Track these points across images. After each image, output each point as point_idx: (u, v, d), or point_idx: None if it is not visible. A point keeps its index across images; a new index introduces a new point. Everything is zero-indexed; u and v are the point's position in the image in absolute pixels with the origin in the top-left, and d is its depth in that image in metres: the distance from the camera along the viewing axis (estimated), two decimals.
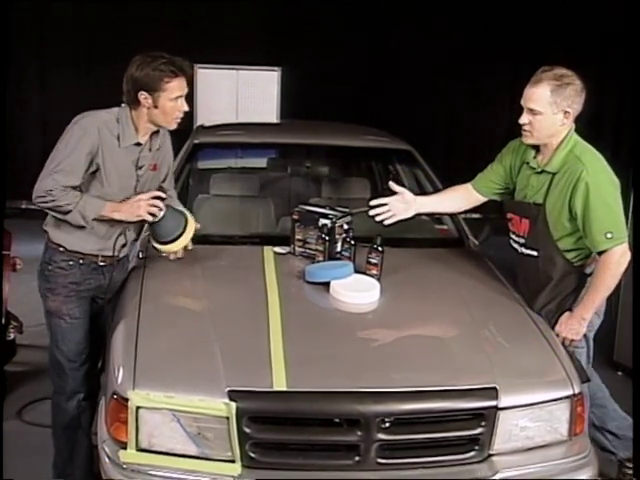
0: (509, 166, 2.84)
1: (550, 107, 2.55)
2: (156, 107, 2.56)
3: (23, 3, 7.08)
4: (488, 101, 8.19)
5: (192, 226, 2.75)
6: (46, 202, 2.51)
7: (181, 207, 2.87)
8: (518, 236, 2.79)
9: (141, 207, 2.59)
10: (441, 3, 7.82)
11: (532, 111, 2.58)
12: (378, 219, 2.82)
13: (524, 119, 2.61)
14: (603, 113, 8.22)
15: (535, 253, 2.72)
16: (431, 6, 7.82)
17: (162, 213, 2.62)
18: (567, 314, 2.66)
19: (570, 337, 2.65)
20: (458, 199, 2.97)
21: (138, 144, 2.63)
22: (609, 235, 2.52)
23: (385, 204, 2.80)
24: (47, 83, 7.94)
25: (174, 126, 2.65)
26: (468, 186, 2.94)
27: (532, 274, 2.75)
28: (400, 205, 2.82)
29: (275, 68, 7.61)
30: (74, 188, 2.52)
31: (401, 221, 2.87)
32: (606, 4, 7.16)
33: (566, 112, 2.57)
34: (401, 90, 8.04)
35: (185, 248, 2.79)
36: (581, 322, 2.63)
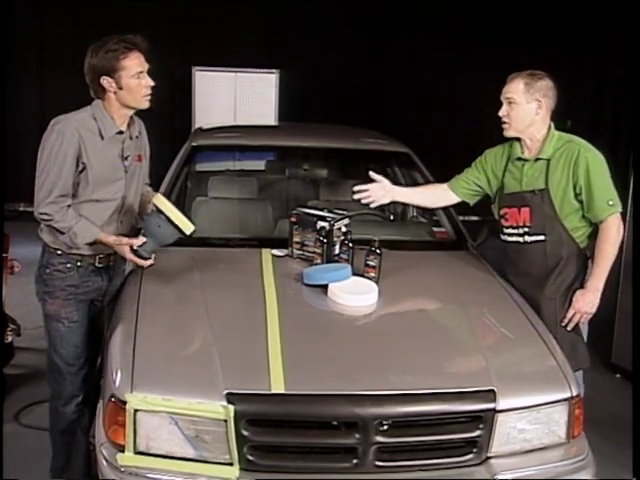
0: (491, 171, 3.03)
1: (524, 96, 2.84)
2: (121, 88, 2.56)
3: (22, 3, 7.10)
4: (487, 104, 8.19)
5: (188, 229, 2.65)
6: (45, 221, 2.58)
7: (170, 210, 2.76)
8: (518, 227, 2.91)
9: (125, 253, 2.61)
10: (441, 4, 7.85)
11: (509, 102, 2.87)
12: (363, 202, 3.11)
13: (503, 111, 2.91)
14: (602, 114, 8.24)
15: (542, 237, 2.86)
16: (431, 7, 7.84)
17: (142, 241, 2.59)
18: (580, 291, 2.82)
19: (589, 311, 2.81)
20: (433, 195, 3.22)
21: (120, 132, 2.64)
22: (610, 202, 2.78)
23: (367, 190, 3.07)
24: (45, 85, 7.95)
25: (146, 104, 2.63)
26: (444, 186, 3.18)
27: (539, 260, 2.87)
28: (379, 192, 3.07)
29: (273, 70, 7.63)
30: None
31: (394, 220, 3.19)
32: (606, 4, 7.17)
33: (539, 101, 2.84)
34: (400, 92, 8.06)
35: None
36: (596, 293, 2.81)
